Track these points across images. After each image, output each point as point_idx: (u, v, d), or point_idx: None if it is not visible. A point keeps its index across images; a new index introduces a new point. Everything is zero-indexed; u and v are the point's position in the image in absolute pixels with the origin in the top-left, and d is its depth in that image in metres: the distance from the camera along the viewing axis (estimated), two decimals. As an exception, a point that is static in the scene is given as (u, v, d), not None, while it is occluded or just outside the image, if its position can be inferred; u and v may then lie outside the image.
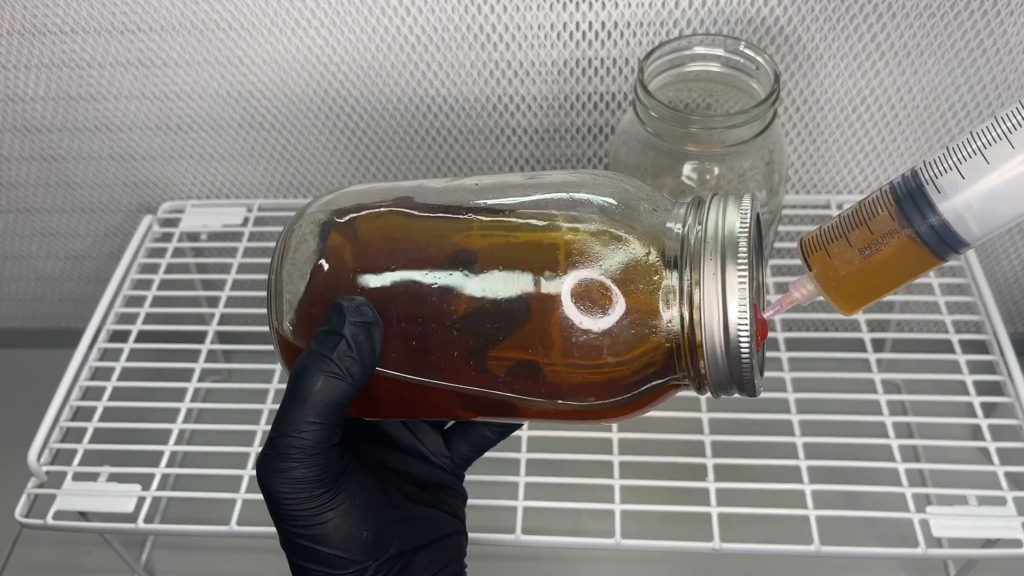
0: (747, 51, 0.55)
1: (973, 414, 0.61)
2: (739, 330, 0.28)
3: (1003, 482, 0.57)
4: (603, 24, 0.67)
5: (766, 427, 0.61)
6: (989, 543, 0.56)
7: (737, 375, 0.29)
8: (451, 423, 0.39)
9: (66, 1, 0.68)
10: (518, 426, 0.38)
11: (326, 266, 0.33)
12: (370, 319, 0.31)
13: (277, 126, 0.76)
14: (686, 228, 0.30)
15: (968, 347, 0.65)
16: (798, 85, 0.70)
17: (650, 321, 0.29)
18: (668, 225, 0.31)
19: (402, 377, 0.32)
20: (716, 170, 0.53)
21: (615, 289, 0.29)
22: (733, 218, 0.29)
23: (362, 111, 0.74)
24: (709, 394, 0.31)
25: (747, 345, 0.28)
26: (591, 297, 0.29)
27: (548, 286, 0.30)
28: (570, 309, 0.29)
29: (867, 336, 0.67)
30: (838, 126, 0.73)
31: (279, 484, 0.30)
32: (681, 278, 0.29)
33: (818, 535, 0.56)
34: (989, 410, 0.65)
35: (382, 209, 0.34)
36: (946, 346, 0.65)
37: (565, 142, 0.75)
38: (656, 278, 0.29)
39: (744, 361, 0.28)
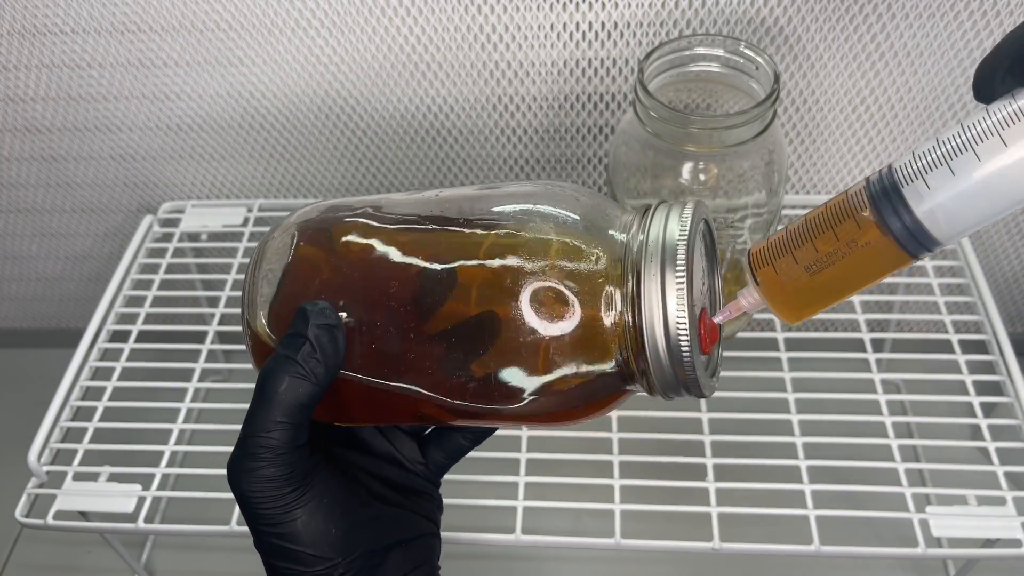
0: (747, 51, 0.55)
1: (973, 414, 0.61)
2: (679, 331, 0.29)
3: (1003, 482, 0.57)
4: (603, 24, 0.67)
5: (766, 427, 0.61)
6: (989, 543, 0.56)
7: (681, 375, 0.30)
8: (427, 431, 0.40)
9: (66, 1, 0.68)
10: (492, 431, 0.39)
11: (296, 274, 0.34)
12: (333, 321, 0.32)
13: (277, 126, 0.76)
14: (629, 236, 0.31)
15: (968, 347, 0.65)
16: (798, 85, 0.70)
17: (599, 327, 0.30)
18: (612, 233, 0.32)
19: (366, 381, 0.33)
20: (716, 170, 0.53)
21: (567, 297, 0.30)
22: (673, 225, 0.31)
23: (362, 111, 0.74)
24: (660, 396, 0.32)
25: (687, 346, 0.29)
26: (543, 305, 0.30)
27: (501, 294, 0.31)
28: (524, 317, 0.30)
29: (867, 336, 0.67)
30: (838, 126, 0.73)
31: (248, 483, 0.31)
32: (625, 284, 0.30)
33: (818, 535, 0.56)
34: (989, 410, 0.65)
35: (348, 221, 0.35)
36: (946, 346, 0.65)
37: (565, 142, 0.75)
38: (603, 285, 0.31)
39: (686, 361, 0.30)
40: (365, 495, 0.35)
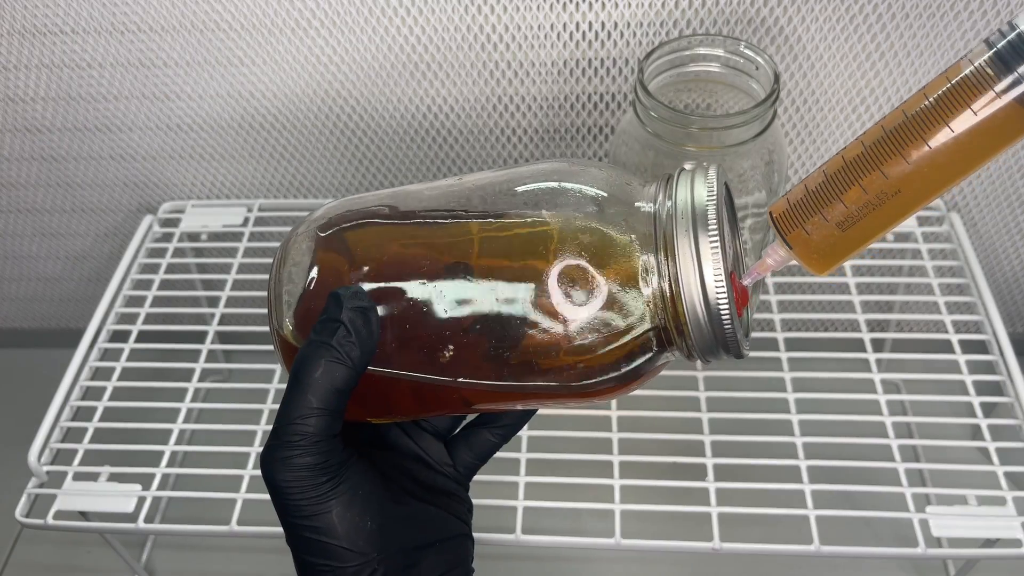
0: (747, 51, 0.55)
1: (973, 414, 0.61)
2: (717, 292, 0.30)
3: (1003, 482, 0.57)
4: (603, 24, 0.67)
5: (766, 427, 0.61)
6: (989, 543, 0.56)
7: (721, 336, 0.31)
8: (454, 433, 0.40)
9: (66, 1, 0.68)
10: (519, 427, 0.39)
11: (322, 272, 0.34)
12: (366, 304, 0.32)
13: (277, 126, 0.76)
14: (657, 205, 0.32)
15: (968, 347, 0.65)
16: (798, 85, 0.70)
17: (635, 298, 0.31)
18: (638, 204, 0.32)
19: (400, 375, 0.33)
20: (716, 170, 0.53)
21: (599, 273, 0.31)
22: (700, 189, 0.31)
23: (362, 111, 0.74)
24: (699, 360, 0.32)
25: (726, 305, 0.30)
26: (578, 284, 0.31)
27: (536, 277, 0.31)
28: (560, 297, 0.31)
29: (867, 336, 0.67)
30: (838, 126, 0.73)
31: (283, 472, 0.31)
32: (658, 253, 0.31)
33: (818, 535, 0.56)
34: (989, 410, 0.65)
35: (375, 218, 0.35)
36: (946, 346, 0.65)
37: (565, 142, 0.75)
38: (636, 256, 0.31)
39: (725, 321, 0.30)
40: (399, 491, 0.34)
